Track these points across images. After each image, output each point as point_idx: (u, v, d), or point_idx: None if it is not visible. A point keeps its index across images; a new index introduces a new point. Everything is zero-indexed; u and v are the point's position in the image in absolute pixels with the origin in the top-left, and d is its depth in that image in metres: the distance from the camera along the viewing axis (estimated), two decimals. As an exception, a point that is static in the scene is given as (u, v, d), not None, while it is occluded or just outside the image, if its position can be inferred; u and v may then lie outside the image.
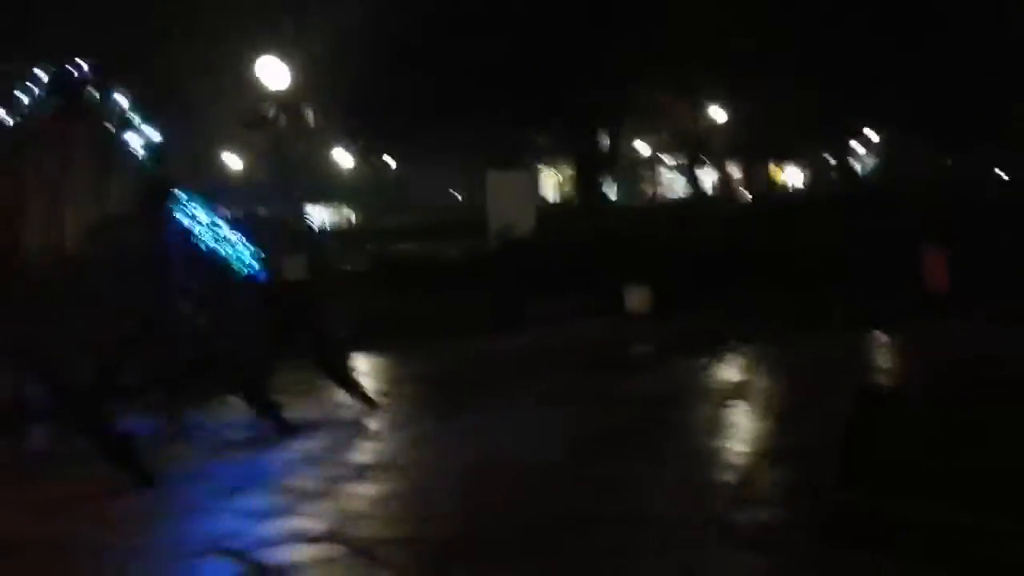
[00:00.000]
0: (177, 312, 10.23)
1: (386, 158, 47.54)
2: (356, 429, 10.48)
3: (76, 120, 10.30)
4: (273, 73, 18.46)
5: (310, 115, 21.67)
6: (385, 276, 23.39)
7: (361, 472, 8.58)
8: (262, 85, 18.50)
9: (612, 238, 21.97)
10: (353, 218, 47.94)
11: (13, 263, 8.32)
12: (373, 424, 10.70)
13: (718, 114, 38.90)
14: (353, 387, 11.80)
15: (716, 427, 9.71)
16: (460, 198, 53.49)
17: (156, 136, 10.18)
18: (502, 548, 6.37)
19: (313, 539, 6.62)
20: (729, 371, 13.05)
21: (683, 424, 10.11)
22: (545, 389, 11.98)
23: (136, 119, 10.43)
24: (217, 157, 41.49)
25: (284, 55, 18.61)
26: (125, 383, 10.54)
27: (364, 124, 30.88)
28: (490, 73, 27.97)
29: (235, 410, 11.20)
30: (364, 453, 9.44)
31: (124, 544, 6.73)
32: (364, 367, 14.47)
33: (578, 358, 14.22)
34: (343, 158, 43.11)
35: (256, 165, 42.11)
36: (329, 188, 44.15)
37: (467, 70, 27.48)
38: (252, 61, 19.13)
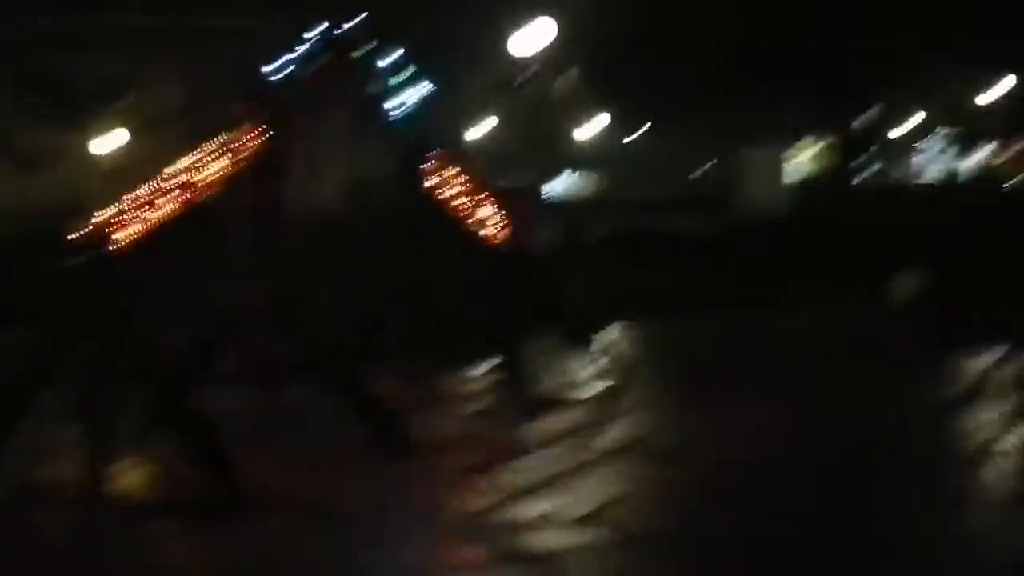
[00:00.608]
0: (432, 274, 9.99)
1: (633, 130, 46.91)
2: (608, 405, 10.06)
3: (341, 78, 10.15)
4: (533, 35, 18.10)
5: (567, 78, 21.20)
6: (630, 248, 22.94)
7: (617, 452, 8.14)
8: (521, 47, 18.18)
9: (870, 219, 20.81)
10: (595, 189, 47.52)
11: (275, 222, 8.20)
12: (625, 401, 10.27)
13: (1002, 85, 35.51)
14: (602, 360, 11.43)
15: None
16: (701, 173, 52.40)
17: (420, 95, 9.92)
18: (779, 560, 5.70)
19: (572, 524, 6.19)
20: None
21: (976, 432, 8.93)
22: (807, 377, 11.24)
23: (401, 79, 10.22)
24: (467, 124, 41.80)
25: (545, 15, 18.20)
26: (380, 344, 10.50)
27: (618, 91, 30.35)
28: (760, 40, 26.95)
29: (488, 378, 11.00)
30: (618, 432, 8.98)
31: (376, 515, 6.50)
32: (610, 342, 14.06)
33: (840, 346, 13.35)
34: (590, 127, 42.63)
35: (503, 133, 42.15)
36: (574, 158, 43.82)
37: (732, 37, 26.54)
38: (512, 23, 18.83)
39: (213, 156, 7.73)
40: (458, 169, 10.65)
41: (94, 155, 33.74)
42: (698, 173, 51.25)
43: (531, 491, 6.97)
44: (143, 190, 7.23)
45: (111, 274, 6.83)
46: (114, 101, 31.35)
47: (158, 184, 7.34)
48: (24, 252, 12.42)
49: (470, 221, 10.71)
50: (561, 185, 44.12)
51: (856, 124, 33.10)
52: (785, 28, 28.92)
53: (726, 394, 10.42)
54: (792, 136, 37.75)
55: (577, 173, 46.95)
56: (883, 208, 23.85)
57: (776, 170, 24.47)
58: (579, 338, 11.78)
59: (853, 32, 28.72)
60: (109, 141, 34.45)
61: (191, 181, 7.56)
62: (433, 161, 10.27)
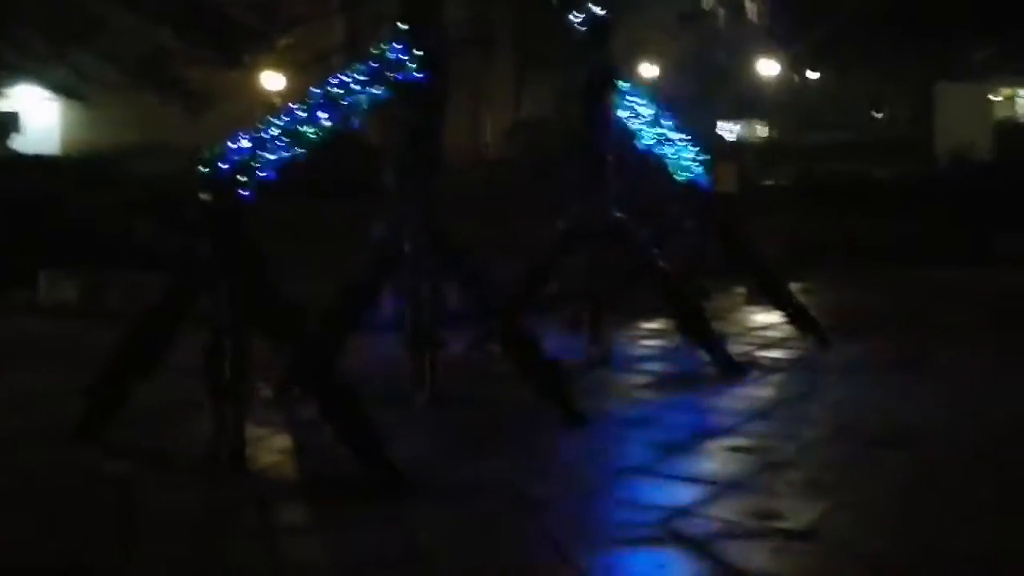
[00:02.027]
0: (610, 216, 8.79)
1: (810, 71, 44.66)
2: (811, 374, 8.73)
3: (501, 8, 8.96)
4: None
5: (751, 8, 19.70)
6: (813, 195, 21.40)
7: (835, 436, 6.80)
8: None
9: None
10: (770, 134, 45.49)
11: (435, 162, 7.15)
12: (830, 368, 8.92)
13: None
14: (799, 317, 10.05)
15: None
16: (880, 116, 49.80)
17: (601, 15, 8.71)
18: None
19: (791, 535, 4.91)
20: None
21: None
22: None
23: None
24: (634, 66, 40.28)
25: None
26: (549, 292, 9.39)
27: (801, 27, 28.62)
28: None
29: (667, 337, 9.79)
30: (830, 408, 7.64)
31: (554, 504, 5.37)
32: (800, 297, 12.64)
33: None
34: (766, 69, 40.56)
35: (673, 75, 40.57)
36: (749, 101, 41.87)
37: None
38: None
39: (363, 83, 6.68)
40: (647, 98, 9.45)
41: (261, 92, 33.68)
42: (881, 115, 48.80)
43: (737, 485, 5.73)
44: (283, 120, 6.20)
45: (242, 214, 5.81)
46: (279, 37, 31.06)
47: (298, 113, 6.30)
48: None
49: (657, 155, 9.53)
50: (738, 127, 42.41)
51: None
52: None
53: (940, 364, 8.97)
54: (990, 74, 35.21)
55: (752, 118, 45.14)
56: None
57: (984, 109, 22.31)
58: (764, 290, 10.41)
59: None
60: (275, 79, 34.40)
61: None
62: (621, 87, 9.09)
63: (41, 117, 31.36)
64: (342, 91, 6.56)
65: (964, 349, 9.52)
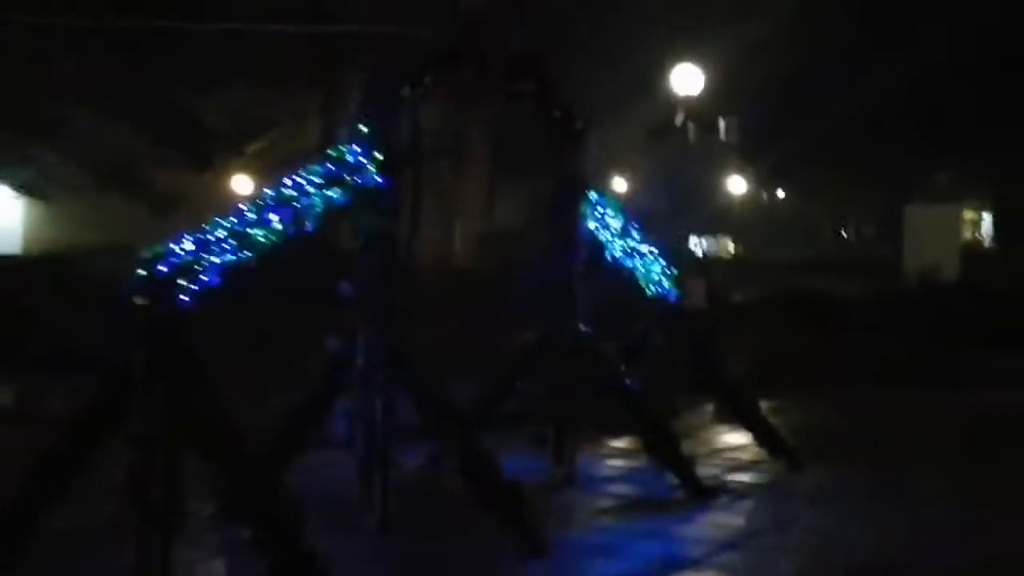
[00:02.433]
0: (576, 331, 8.45)
1: (778, 190, 45.08)
2: (783, 500, 8.34)
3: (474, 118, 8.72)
4: (685, 79, 16.66)
5: (721, 126, 19.73)
6: (781, 312, 21.22)
7: (809, 570, 6.39)
8: (672, 93, 16.77)
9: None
10: (735, 250, 45.69)
11: (404, 271, 6.79)
12: (802, 495, 8.52)
13: None
14: (769, 438, 9.67)
15: None
16: (845, 235, 50.25)
17: (575, 124, 8.48)
18: None
19: None
20: None
21: None
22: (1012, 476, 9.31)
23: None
24: (606, 177, 40.41)
25: (698, 61, 16.82)
26: (511, 410, 8.98)
27: (768, 144, 28.80)
28: (924, 92, 25.13)
29: (632, 457, 9.37)
30: (803, 539, 7.22)
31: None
32: (769, 417, 12.29)
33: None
34: (735, 186, 40.89)
35: (644, 190, 40.72)
36: (717, 217, 42.08)
37: (894, 88, 24.75)
38: (662, 68, 17.50)
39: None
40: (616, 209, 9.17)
41: (232, 195, 33.42)
42: (845, 234, 49.17)
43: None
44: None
45: (181, 320, 5.41)
46: (251, 141, 30.93)
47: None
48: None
49: (626, 267, 9.24)
50: (706, 243, 42.53)
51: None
52: (944, 86, 27.16)
53: (914, 493, 8.61)
54: (949, 197, 35.55)
55: (719, 234, 45.35)
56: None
57: (951, 230, 22.33)
58: (740, 408, 10.03)
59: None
60: (246, 182, 34.20)
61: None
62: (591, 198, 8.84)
63: (3, 215, 30.95)
64: (296, 193, 6.22)
65: (936, 477, 9.16)
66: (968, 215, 43.95)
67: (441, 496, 7.45)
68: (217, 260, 5.69)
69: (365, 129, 6.73)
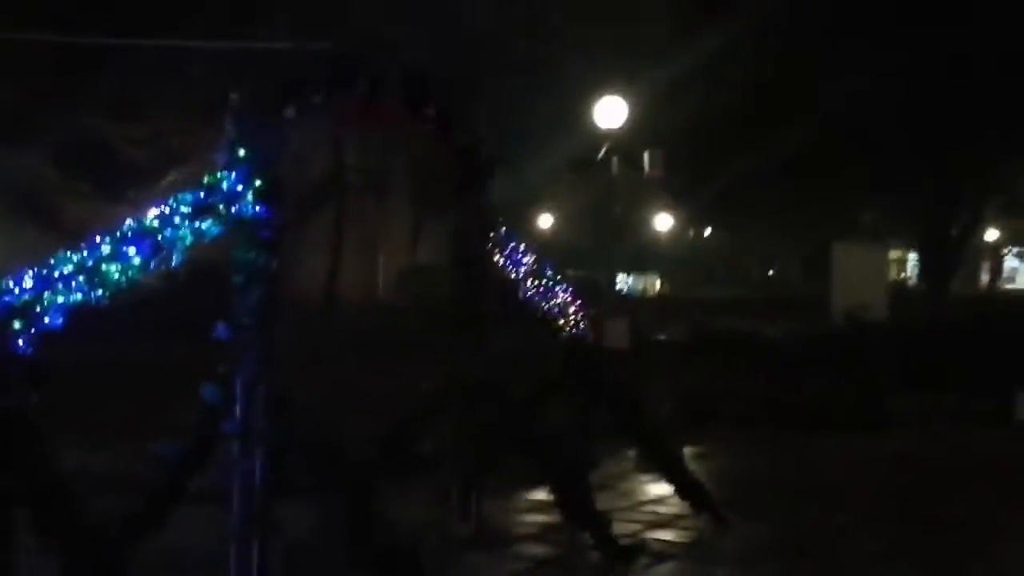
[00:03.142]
0: (484, 374, 7.81)
1: (705, 228, 44.94)
2: (707, 564, 7.72)
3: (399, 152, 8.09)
4: (609, 112, 16.19)
5: (646, 159, 19.33)
6: (706, 352, 20.84)
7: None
8: (595, 126, 16.28)
9: (991, 328, 18.39)
10: (661, 288, 45.46)
11: (325, 304, 6.09)
12: (727, 557, 7.91)
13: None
14: (692, 491, 9.07)
15: None
16: (772, 273, 50.30)
17: (479, 153, 7.88)
18: None
19: None
20: None
21: None
22: (966, 531, 8.81)
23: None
24: (531, 214, 39.99)
25: (623, 94, 16.37)
26: (414, 457, 8.31)
27: (695, 181, 28.49)
28: (851, 130, 24.96)
29: (545, 512, 8.72)
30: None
31: None
32: (694, 464, 11.73)
33: (982, 482, 10.89)
34: (662, 223, 40.66)
35: (569, 226, 40.36)
36: (643, 255, 41.81)
37: (821, 126, 24.56)
38: (586, 100, 17.03)
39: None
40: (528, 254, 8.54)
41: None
42: (772, 272, 49.20)
43: None
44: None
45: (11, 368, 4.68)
46: (166, 174, 30.01)
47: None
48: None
49: (538, 307, 8.63)
50: (627, 283, 42.16)
51: (952, 229, 30.89)
52: (872, 125, 27.12)
53: (845, 553, 8.07)
54: (875, 236, 35.58)
55: (645, 271, 45.05)
56: (997, 317, 21.39)
57: (878, 269, 22.08)
58: (662, 458, 9.41)
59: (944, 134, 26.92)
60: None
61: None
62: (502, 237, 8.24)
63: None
64: (160, 224, 5.52)
65: (867, 534, 8.63)
66: (894, 254, 44.20)
67: (332, 560, 6.72)
68: (61, 299, 4.98)
69: (242, 152, 6.05)
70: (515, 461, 8.41)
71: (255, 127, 6.12)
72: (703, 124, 25.62)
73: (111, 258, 5.26)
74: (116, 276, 5.26)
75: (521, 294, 8.54)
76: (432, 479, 8.42)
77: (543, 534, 8.32)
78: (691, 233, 43.99)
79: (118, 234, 5.37)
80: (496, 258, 8.24)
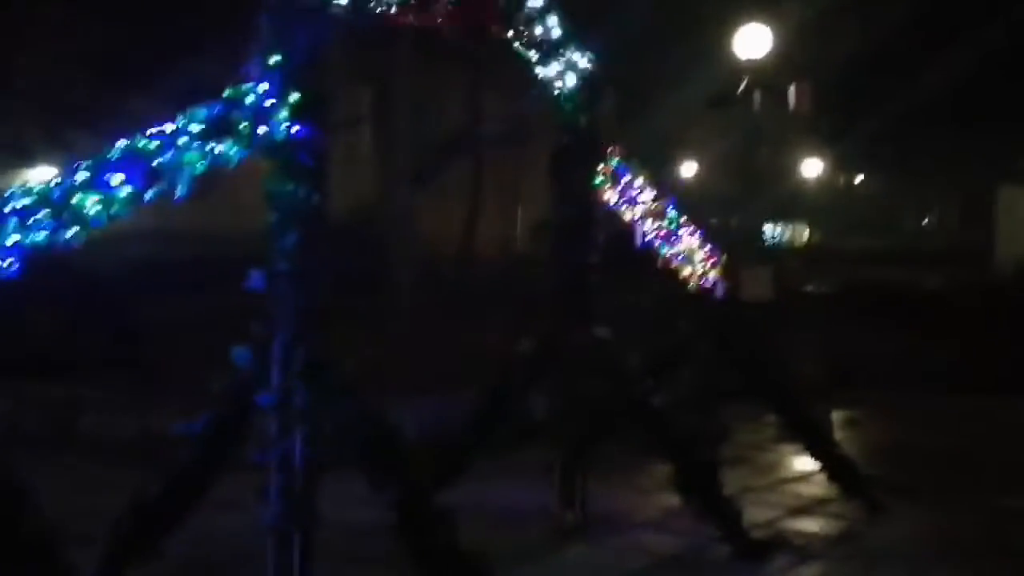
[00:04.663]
0: (589, 337, 6.53)
1: (858, 174, 42.59)
2: (860, 563, 6.33)
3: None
4: (752, 41, 14.55)
5: (791, 94, 17.60)
6: (858, 305, 19.11)
7: None
8: (735, 58, 14.70)
9: None
10: (810, 237, 43.22)
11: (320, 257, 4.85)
12: (886, 555, 6.50)
13: None
14: (842, 470, 7.66)
15: None
16: (928, 222, 47.58)
17: (585, 67, 6.52)
18: None
19: None
20: None
21: None
22: None
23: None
24: (672, 162, 38.27)
25: (768, 20, 14.74)
26: (517, 427, 7.10)
27: (847, 122, 26.47)
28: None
29: (665, 496, 7.35)
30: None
31: None
32: (844, 431, 10.29)
33: None
34: (810, 168, 38.46)
35: (714, 173, 38.55)
36: (790, 202, 39.66)
37: (983, 61, 22.36)
38: (724, 31, 15.43)
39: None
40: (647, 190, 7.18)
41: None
42: (927, 221, 46.47)
43: None
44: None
45: None
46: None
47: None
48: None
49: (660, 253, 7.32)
50: (774, 232, 40.13)
51: None
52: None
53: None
54: None
55: (792, 220, 42.90)
56: None
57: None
58: (799, 428, 7.98)
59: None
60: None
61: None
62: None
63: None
64: (158, 146, 4.37)
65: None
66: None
67: (384, 559, 5.53)
68: (14, 240, 3.87)
69: (276, 59, 4.85)
70: (630, 434, 7.09)
71: (293, 24, 4.92)
72: (855, 58, 23.61)
73: (87, 188, 4.13)
74: (94, 211, 4.13)
75: (639, 239, 7.22)
76: (536, 456, 7.19)
77: (662, 522, 7.01)
78: (841, 179, 41.63)
79: (99, 159, 4.24)
80: (608, 195, 6.93)
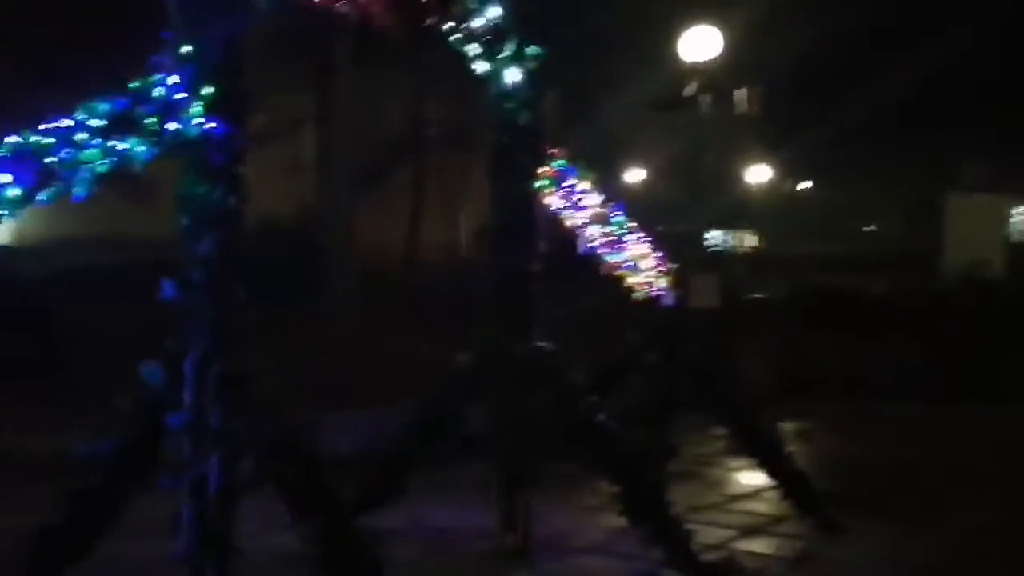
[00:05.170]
0: (531, 349, 6.17)
1: (805, 180, 42.72)
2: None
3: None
4: (700, 43, 14.31)
5: (742, 97, 17.32)
6: (807, 311, 18.91)
7: None
8: (684, 60, 14.44)
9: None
10: (757, 243, 43.23)
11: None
12: (842, 567, 6.21)
13: None
14: (794, 484, 7.36)
15: None
16: (872, 228, 47.88)
17: (529, 50, 6.13)
18: None
19: None
20: None
21: None
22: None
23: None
24: (617, 167, 38.07)
25: (717, 22, 14.50)
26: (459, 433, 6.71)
27: (793, 127, 26.38)
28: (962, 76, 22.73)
29: (609, 517, 6.95)
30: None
31: None
32: (796, 444, 10.02)
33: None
34: (756, 174, 38.45)
35: (661, 179, 38.45)
36: (737, 208, 39.63)
37: (931, 72, 22.36)
38: (673, 32, 15.18)
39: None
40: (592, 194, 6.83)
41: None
42: (873, 227, 46.69)
43: None
44: None
45: None
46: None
47: None
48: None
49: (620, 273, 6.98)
50: (718, 239, 40.04)
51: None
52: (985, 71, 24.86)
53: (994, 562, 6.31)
54: (991, 188, 33.06)
55: (738, 226, 42.89)
56: None
57: (994, 223, 19.93)
58: (750, 441, 7.66)
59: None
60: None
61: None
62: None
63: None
64: (51, 143, 3.95)
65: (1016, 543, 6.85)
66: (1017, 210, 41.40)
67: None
68: None
69: (186, 48, 4.45)
70: (573, 451, 6.72)
71: (207, 10, 4.51)
72: (804, 64, 23.54)
73: (-33, 188, 3.71)
74: (-24, 213, 3.71)
75: (583, 245, 6.88)
76: (475, 472, 6.82)
77: (607, 544, 6.64)
78: (787, 185, 41.68)
79: (-15, 154, 3.81)
80: (550, 199, 6.58)
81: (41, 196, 3.93)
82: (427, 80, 24.77)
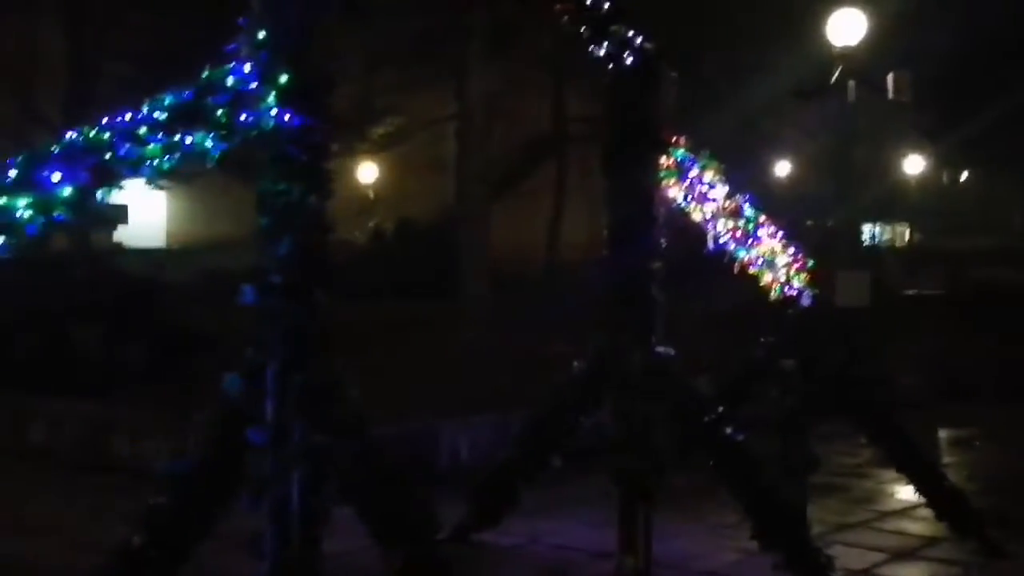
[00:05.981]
0: (650, 355, 5.68)
1: (961, 170, 40.89)
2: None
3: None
4: (844, 28, 13.55)
5: (889, 83, 16.43)
6: (967, 309, 17.91)
7: None
8: (828, 46, 13.70)
9: None
10: (909, 237, 41.58)
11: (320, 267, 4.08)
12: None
13: None
14: (949, 503, 6.69)
15: None
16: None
17: (644, 47, 5.66)
18: None
19: None
20: None
21: None
22: None
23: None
24: (765, 161, 37.01)
25: (863, 5, 13.72)
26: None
27: (951, 115, 25.12)
28: None
29: (733, 534, 6.38)
30: None
31: None
32: (954, 455, 9.30)
33: None
34: (910, 165, 36.92)
35: (810, 172, 37.24)
36: (889, 202, 38.12)
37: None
38: (815, 18, 14.45)
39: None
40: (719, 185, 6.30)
41: (355, 183, 31.50)
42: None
43: None
44: None
45: None
46: (375, 125, 28.76)
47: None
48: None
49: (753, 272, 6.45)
50: (870, 233, 38.62)
51: None
52: None
53: None
54: None
55: (891, 221, 41.34)
56: None
57: None
58: (899, 457, 6.98)
59: None
60: (370, 169, 32.27)
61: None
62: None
63: (147, 209, 29.36)
64: (111, 137, 3.65)
65: None
66: None
67: None
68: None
69: (262, 34, 4.11)
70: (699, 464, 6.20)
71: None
72: (959, 48, 22.32)
73: (18, 189, 3.42)
74: (26, 214, 3.42)
75: (710, 241, 6.34)
76: (596, 486, 6.37)
77: (736, 569, 6.11)
78: (945, 176, 39.96)
79: (36, 154, 3.52)
80: (672, 192, 6.07)
81: (99, 195, 3.63)
82: (568, 76, 24.37)
